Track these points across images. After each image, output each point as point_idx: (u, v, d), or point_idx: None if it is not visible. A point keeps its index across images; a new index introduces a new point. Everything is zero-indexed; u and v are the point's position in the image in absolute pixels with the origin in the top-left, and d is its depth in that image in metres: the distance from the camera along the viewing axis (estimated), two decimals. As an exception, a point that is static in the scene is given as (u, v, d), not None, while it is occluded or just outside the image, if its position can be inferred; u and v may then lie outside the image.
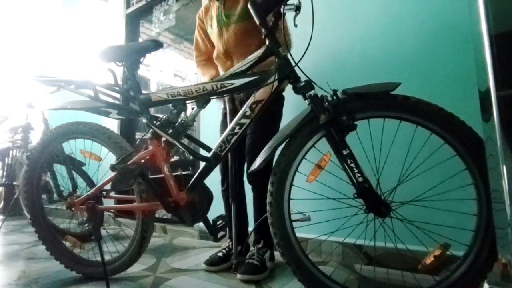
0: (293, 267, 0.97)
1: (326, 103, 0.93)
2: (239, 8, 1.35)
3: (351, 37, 1.57)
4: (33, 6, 3.90)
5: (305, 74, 0.98)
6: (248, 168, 1.35)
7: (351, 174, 0.91)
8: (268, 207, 1.00)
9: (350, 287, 0.99)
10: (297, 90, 0.98)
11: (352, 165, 0.91)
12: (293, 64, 0.98)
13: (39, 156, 1.39)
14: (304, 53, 0.95)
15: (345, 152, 0.92)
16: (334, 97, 0.93)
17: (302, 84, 0.97)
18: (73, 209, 1.26)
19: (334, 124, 0.92)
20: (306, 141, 0.99)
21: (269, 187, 1.01)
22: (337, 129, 0.93)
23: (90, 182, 2.04)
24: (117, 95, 1.20)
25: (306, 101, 0.96)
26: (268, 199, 1.01)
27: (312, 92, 0.96)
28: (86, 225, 2.02)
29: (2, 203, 3.26)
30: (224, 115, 1.52)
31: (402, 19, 1.43)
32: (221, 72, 1.50)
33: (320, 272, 0.97)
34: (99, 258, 1.13)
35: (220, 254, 1.44)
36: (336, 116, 0.92)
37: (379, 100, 0.92)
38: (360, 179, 0.90)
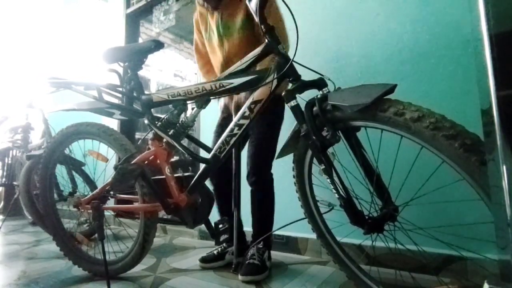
0: None
1: (310, 112, 0.87)
2: (240, 19, 1.29)
3: (351, 37, 1.56)
4: (33, 5, 3.89)
5: (305, 67, 0.95)
6: (249, 174, 1.33)
7: (332, 187, 0.87)
8: None
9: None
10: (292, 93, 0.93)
11: (328, 180, 0.86)
12: (290, 61, 0.93)
13: (51, 155, 1.44)
14: (296, 48, 0.91)
15: (322, 167, 0.86)
16: (317, 104, 0.86)
17: (294, 86, 0.92)
18: (80, 208, 1.28)
19: (315, 136, 0.85)
20: (304, 151, 0.99)
21: None
22: (319, 141, 0.84)
23: (89, 182, 2.04)
24: (120, 96, 1.21)
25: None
26: None
27: (293, 103, 0.92)
28: (85, 225, 2.02)
29: (2, 203, 3.26)
30: (223, 118, 1.51)
31: (402, 19, 1.43)
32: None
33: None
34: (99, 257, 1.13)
35: (215, 252, 1.46)
36: (315, 127, 0.85)
37: (359, 111, 0.78)
38: (336, 196, 0.87)
